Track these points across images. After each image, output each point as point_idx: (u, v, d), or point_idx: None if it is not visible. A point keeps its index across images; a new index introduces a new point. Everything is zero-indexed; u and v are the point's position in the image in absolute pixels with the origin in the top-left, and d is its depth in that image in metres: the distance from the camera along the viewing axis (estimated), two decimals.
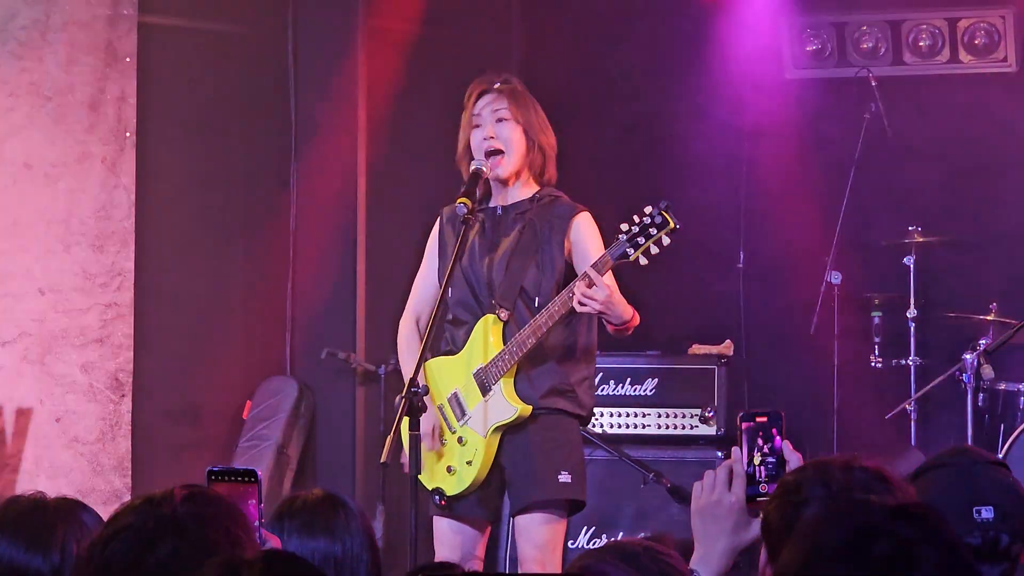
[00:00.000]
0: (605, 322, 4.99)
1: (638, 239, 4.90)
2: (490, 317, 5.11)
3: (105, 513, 2.73)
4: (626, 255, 4.90)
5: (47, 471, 7.17)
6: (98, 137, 7.32)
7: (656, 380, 7.56)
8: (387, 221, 8.23)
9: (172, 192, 7.77)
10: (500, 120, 5.13)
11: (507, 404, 5.07)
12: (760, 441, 2.99)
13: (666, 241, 4.87)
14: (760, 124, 8.62)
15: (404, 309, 5.45)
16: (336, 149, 8.19)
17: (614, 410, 7.55)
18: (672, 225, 4.83)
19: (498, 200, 5.24)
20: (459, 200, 5.04)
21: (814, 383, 8.19)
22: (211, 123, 7.95)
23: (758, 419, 3.04)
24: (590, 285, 4.83)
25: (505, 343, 5.10)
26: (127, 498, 5.97)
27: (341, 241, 8.20)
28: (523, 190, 5.24)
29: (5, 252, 7.19)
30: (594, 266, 4.90)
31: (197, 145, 7.89)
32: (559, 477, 5.08)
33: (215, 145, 7.98)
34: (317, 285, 8.24)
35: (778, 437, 3.00)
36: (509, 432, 5.14)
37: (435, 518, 5.30)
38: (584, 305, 4.81)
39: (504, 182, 5.22)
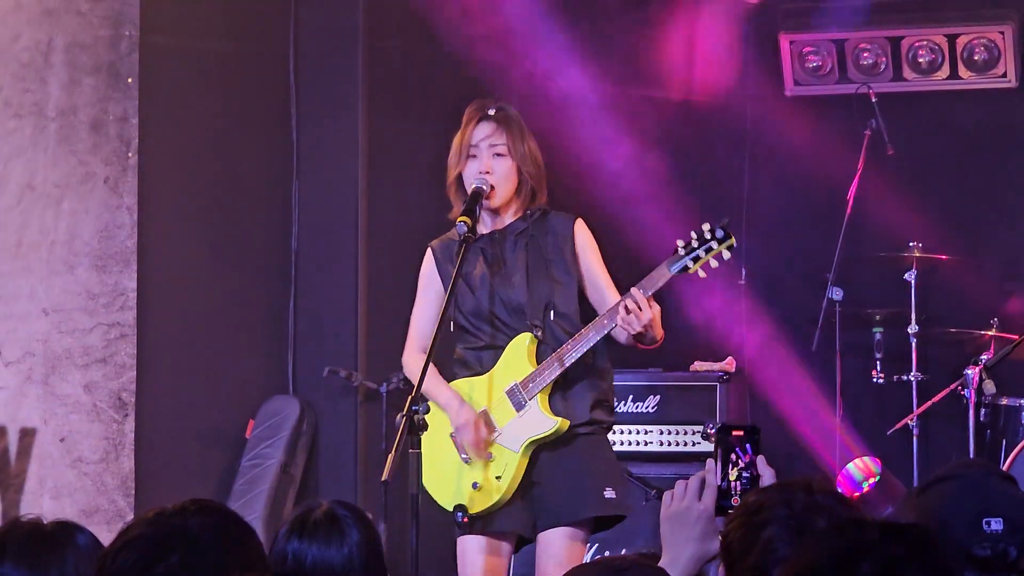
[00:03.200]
0: (629, 337, 5.02)
1: (698, 252, 4.98)
2: (526, 336, 5.13)
3: (109, 533, 2.80)
4: (686, 268, 4.97)
5: (51, 491, 7.18)
6: (100, 158, 7.34)
7: (658, 397, 7.57)
8: (388, 239, 8.24)
9: (175, 212, 7.76)
10: (497, 155, 5.17)
11: (544, 418, 5.08)
12: (736, 455, 3.03)
13: (726, 256, 4.95)
14: (761, 141, 8.66)
15: (407, 336, 5.45)
16: (338, 167, 8.23)
17: (616, 427, 7.09)
18: (732, 241, 4.94)
19: (491, 226, 5.26)
20: (459, 219, 5.06)
21: (816, 399, 8.19)
22: (213, 142, 7.97)
23: (735, 433, 3.08)
24: (637, 303, 4.89)
25: (539, 361, 5.12)
26: (130, 517, 6.10)
27: (342, 259, 8.24)
28: (515, 214, 5.30)
29: (9, 273, 7.23)
30: (649, 281, 4.96)
31: (199, 165, 7.90)
32: (604, 493, 5.13)
33: (217, 164, 7.97)
34: (319, 303, 8.26)
35: (751, 453, 3.03)
36: (543, 448, 5.14)
37: (459, 539, 5.28)
38: (628, 323, 4.87)
39: (495, 211, 5.26)
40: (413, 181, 8.08)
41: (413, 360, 5.25)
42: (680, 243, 4.95)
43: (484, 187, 5.09)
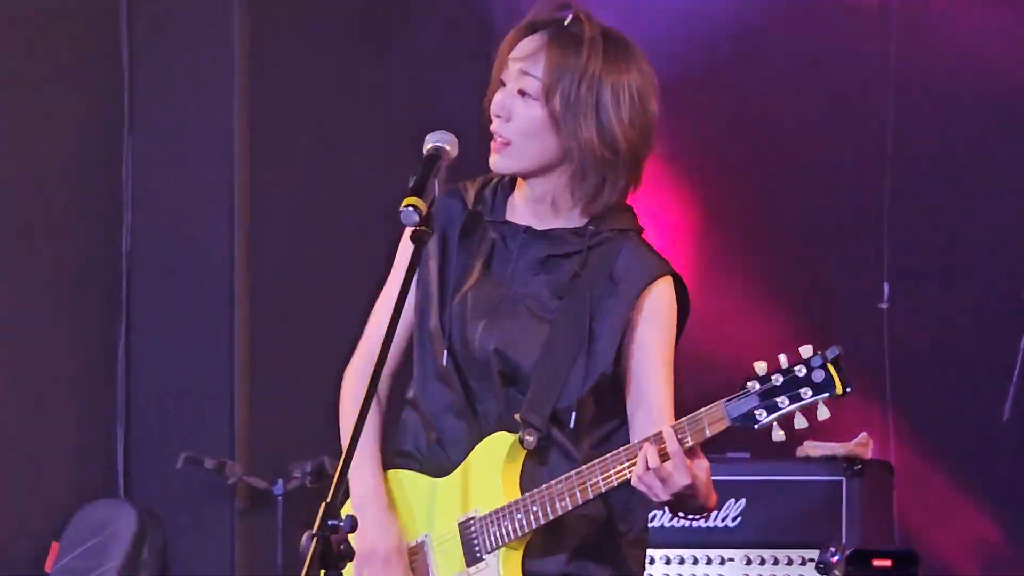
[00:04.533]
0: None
1: (778, 399, 4.10)
2: (508, 438, 4.31)
3: None
4: (753, 419, 4.09)
5: None
6: None
7: (743, 503, 6.68)
8: (284, 236, 7.56)
9: None
10: (522, 92, 4.32)
11: None
12: None
13: (823, 414, 4.04)
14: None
15: (350, 365, 4.64)
16: (199, 117, 7.48)
17: (674, 553, 6.78)
18: (839, 389, 4.02)
19: (529, 218, 4.41)
20: (406, 202, 4.14)
21: (1014, 505, 7.17)
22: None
23: (876, 563, 3.23)
24: (664, 459, 4.06)
25: (524, 490, 4.32)
26: None
27: (207, 271, 7.51)
28: (571, 216, 4.40)
29: None
30: (693, 423, 4.09)
31: None
32: None
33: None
34: (166, 346, 7.56)
35: None
36: None
37: None
38: (649, 485, 4.06)
39: (532, 192, 4.39)
40: (330, 136, 7.56)
41: (351, 382, 4.57)
42: (759, 368, 4.10)
43: (445, 147, 4.21)
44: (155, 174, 7.58)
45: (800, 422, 4.10)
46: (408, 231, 4.43)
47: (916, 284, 7.78)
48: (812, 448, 6.62)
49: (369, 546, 4.43)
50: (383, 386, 4.62)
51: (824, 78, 8.13)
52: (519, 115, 4.37)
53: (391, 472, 4.48)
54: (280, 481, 7.14)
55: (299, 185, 7.71)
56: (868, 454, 6.62)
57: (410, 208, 4.15)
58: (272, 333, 7.55)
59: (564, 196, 4.39)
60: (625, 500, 4.45)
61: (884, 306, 7.56)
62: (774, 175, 8.01)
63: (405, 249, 4.53)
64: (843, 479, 6.55)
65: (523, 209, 4.41)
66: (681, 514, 4.28)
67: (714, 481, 6.16)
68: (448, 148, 4.25)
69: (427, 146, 4.25)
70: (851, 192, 7.99)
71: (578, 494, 4.23)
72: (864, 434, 6.63)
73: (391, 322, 4.23)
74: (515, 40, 4.42)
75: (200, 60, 7.54)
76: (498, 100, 4.39)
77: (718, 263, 7.91)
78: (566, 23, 4.39)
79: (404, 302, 4.25)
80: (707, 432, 4.12)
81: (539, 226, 4.39)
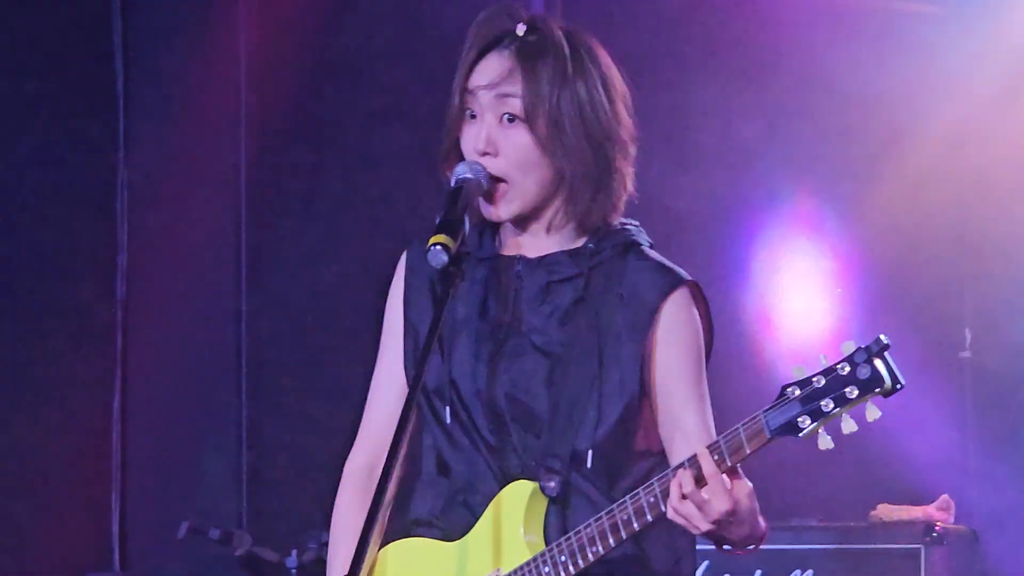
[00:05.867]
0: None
1: (822, 403, 3.84)
2: (527, 487, 4.12)
3: None
4: (796, 428, 3.85)
5: None
6: None
7: (810, 574, 6.63)
8: (289, 294, 7.52)
9: None
10: (508, 119, 4.11)
11: None
12: None
13: (874, 415, 3.73)
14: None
15: (351, 459, 4.40)
16: (200, 138, 7.44)
17: None
18: (889, 384, 3.76)
19: (522, 247, 4.21)
20: (433, 239, 3.96)
21: None
22: None
23: None
24: (700, 483, 3.88)
25: (548, 536, 4.11)
26: None
27: (211, 316, 7.51)
28: (567, 237, 4.23)
29: None
30: (730, 441, 3.87)
31: None
32: None
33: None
34: (167, 404, 7.48)
35: None
36: None
37: None
38: (686, 515, 3.90)
39: (523, 223, 4.20)
40: (350, 151, 7.57)
41: (350, 476, 4.36)
42: (796, 376, 3.86)
43: (479, 180, 4.05)
44: (151, 206, 7.47)
45: (849, 426, 3.83)
46: (400, 264, 4.39)
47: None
48: (887, 512, 6.53)
49: None
50: (391, 489, 4.47)
51: None
52: (509, 146, 4.20)
53: (400, 543, 4.29)
54: (294, 552, 6.89)
55: (307, 240, 7.59)
56: (950, 519, 6.54)
57: (438, 247, 3.97)
58: (282, 386, 7.49)
59: (558, 217, 4.25)
60: (668, 542, 4.25)
61: (966, 355, 7.39)
62: None
63: (394, 290, 4.42)
64: (921, 547, 6.49)
65: (514, 239, 4.26)
66: (727, 548, 4.08)
67: (780, 550, 6.43)
68: (483, 182, 4.08)
69: (457, 175, 4.08)
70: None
71: (610, 536, 4.03)
72: (945, 497, 6.58)
73: (401, 422, 4.10)
74: (471, 65, 4.26)
75: (197, 65, 7.43)
76: (478, 136, 4.23)
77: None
78: (521, 33, 4.22)
79: (418, 389, 4.12)
80: (747, 449, 3.90)
81: (533, 253, 4.24)
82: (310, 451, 5.74)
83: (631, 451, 4.22)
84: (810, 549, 6.60)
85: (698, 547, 4.49)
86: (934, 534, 6.47)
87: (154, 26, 7.76)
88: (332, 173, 7.69)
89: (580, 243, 4.26)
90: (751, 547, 4.06)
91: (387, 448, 4.29)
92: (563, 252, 4.23)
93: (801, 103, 7.76)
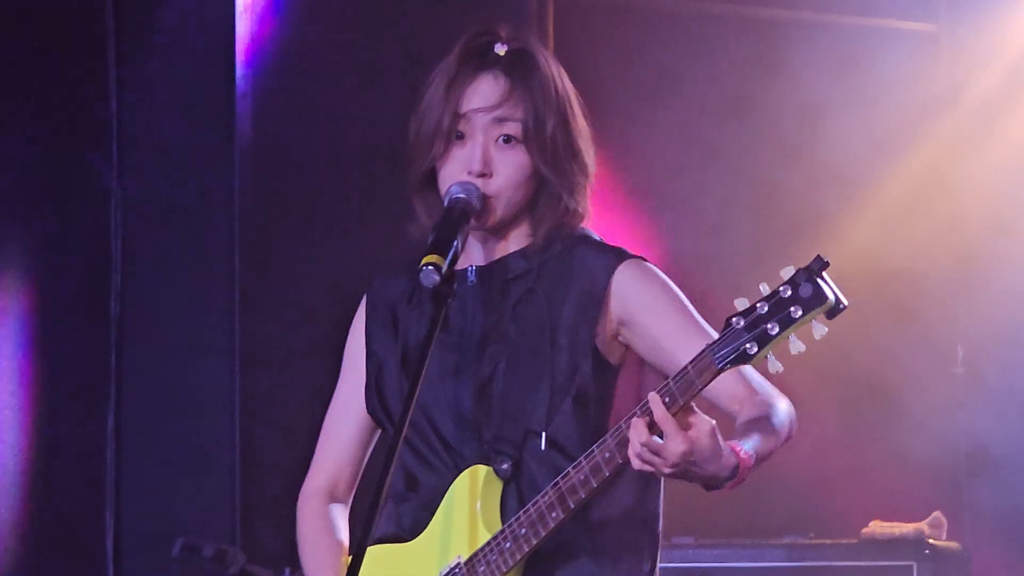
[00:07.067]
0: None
1: (767, 326, 3.84)
2: (481, 470, 4.19)
3: None
4: (744, 355, 3.84)
5: None
6: None
7: None
8: (281, 309, 7.36)
9: None
10: (505, 140, 4.20)
11: None
12: None
13: (820, 332, 3.81)
14: None
15: (306, 486, 4.55)
16: (192, 153, 7.19)
17: None
18: (831, 301, 3.78)
19: (473, 256, 4.32)
20: (425, 260, 4.05)
21: None
22: None
23: None
24: (653, 428, 3.86)
25: (505, 518, 4.14)
26: None
27: (205, 333, 7.32)
28: (520, 238, 4.31)
29: None
30: (681, 382, 3.87)
31: None
32: None
33: None
34: (159, 421, 7.25)
35: None
36: None
37: None
38: (648, 461, 3.86)
39: (493, 231, 4.30)
40: (344, 166, 7.43)
41: (306, 502, 4.51)
42: (739, 304, 3.87)
43: (472, 201, 4.15)
44: (146, 224, 7.31)
45: (797, 347, 3.87)
46: (362, 304, 4.45)
47: None
48: (879, 528, 6.55)
49: None
50: (341, 488, 4.56)
51: None
52: (508, 167, 4.26)
53: (373, 549, 4.26)
54: (287, 570, 6.14)
55: (299, 260, 7.47)
56: (942, 536, 6.56)
57: (429, 267, 4.00)
58: (276, 397, 7.35)
59: (518, 223, 4.33)
60: (637, 492, 4.31)
61: (958, 371, 7.41)
62: None
63: (355, 326, 4.51)
64: (914, 563, 6.51)
65: (470, 249, 4.30)
66: (710, 489, 4.09)
67: (774, 568, 6.44)
68: (475, 203, 4.14)
69: (452, 195, 4.14)
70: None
71: (568, 499, 4.05)
72: (937, 513, 6.58)
73: (395, 437, 4.09)
74: (458, 89, 4.31)
75: (193, 74, 7.23)
76: (472, 157, 4.27)
77: None
78: (503, 53, 4.30)
79: (410, 410, 4.11)
80: (697, 384, 3.91)
81: (486, 260, 4.31)
82: (305, 469, 5.69)
83: (591, 432, 4.20)
84: (802, 567, 6.61)
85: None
86: (926, 551, 6.51)
87: (148, 45, 7.41)
88: (329, 197, 7.58)
89: (529, 241, 4.30)
90: (728, 483, 4.02)
91: (345, 471, 4.50)
92: (513, 254, 4.28)
93: (796, 115, 7.78)
